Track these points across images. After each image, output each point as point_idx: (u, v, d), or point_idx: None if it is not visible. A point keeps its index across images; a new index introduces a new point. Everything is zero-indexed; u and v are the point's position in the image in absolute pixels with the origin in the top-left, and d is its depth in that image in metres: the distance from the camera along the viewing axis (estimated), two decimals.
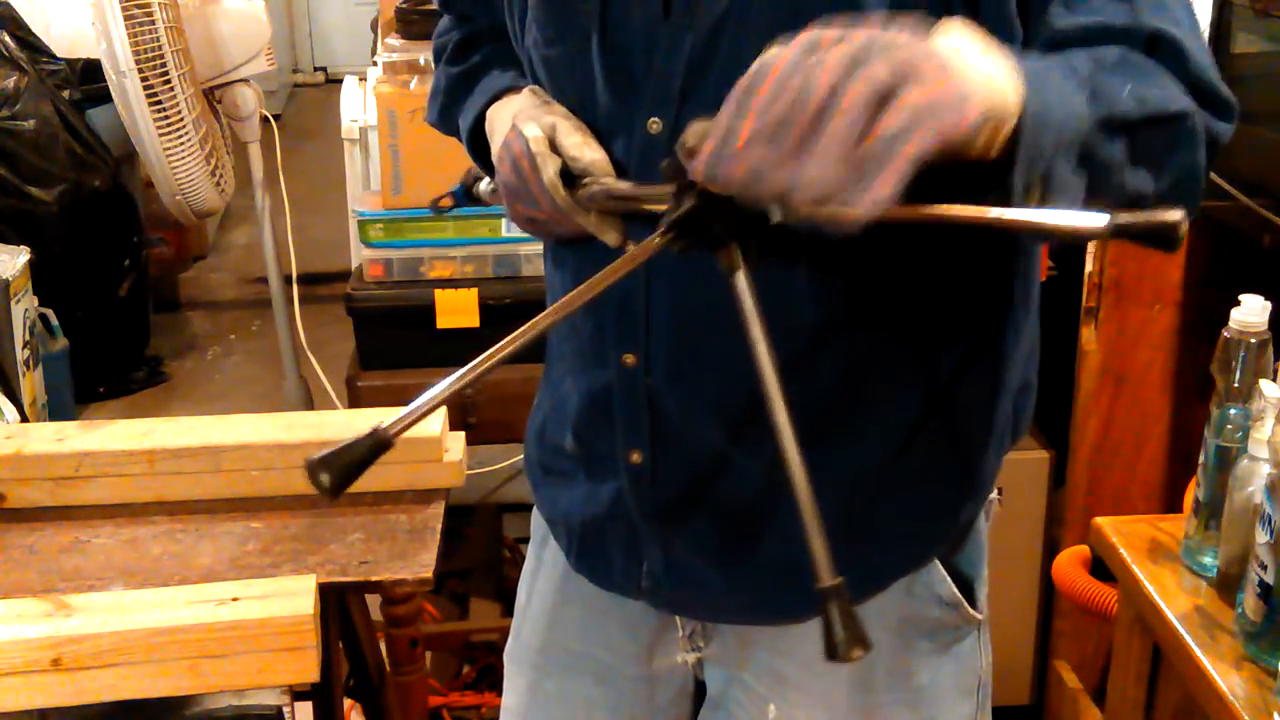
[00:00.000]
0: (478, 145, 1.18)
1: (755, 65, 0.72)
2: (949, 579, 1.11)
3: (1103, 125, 0.81)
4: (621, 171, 1.01)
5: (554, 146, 1.00)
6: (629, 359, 1.05)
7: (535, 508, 1.25)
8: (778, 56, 0.71)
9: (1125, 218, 0.78)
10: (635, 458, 1.08)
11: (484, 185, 1.21)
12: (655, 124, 1.00)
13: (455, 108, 1.21)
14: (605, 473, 1.11)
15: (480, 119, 1.17)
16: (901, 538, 1.08)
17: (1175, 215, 0.77)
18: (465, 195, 1.24)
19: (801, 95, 0.69)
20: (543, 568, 1.25)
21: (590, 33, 1.01)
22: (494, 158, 1.08)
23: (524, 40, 1.10)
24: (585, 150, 1.00)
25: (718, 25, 0.96)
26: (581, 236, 1.02)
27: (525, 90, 1.08)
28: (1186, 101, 0.87)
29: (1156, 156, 0.86)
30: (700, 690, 1.22)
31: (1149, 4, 0.91)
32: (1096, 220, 0.77)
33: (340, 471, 0.79)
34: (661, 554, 1.10)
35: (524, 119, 1.02)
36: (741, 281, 0.82)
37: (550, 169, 0.99)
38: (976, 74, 0.72)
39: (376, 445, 0.79)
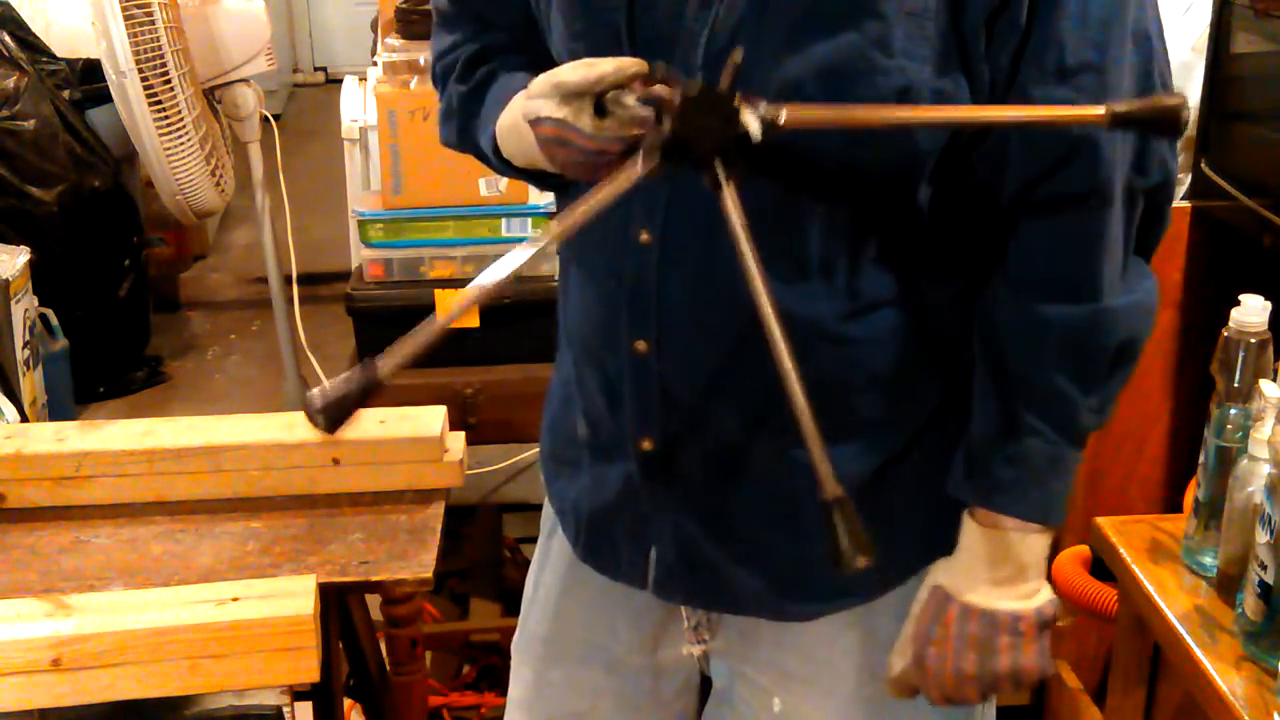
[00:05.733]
0: (499, 155, 1.14)
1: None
2: None
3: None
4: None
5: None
6: (641, 345, 1.05)
7: (546, 500, 1.26)
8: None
9: (1123, 106, 0.82)
10: (646, 445, 1.08)
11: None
12: None
13: (471, 123, 1.17)
14: (615, 460, 1.11)
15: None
16: (917, 530, 1.09)
17: (1175, 100, 0.82)
18: None
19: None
20: (549, 560, 1.26)
21: (619, 26, 1.01)
22: (529, 123, 1.00)
23: (550, 36, 1.10)
24: (588, 70, 0.93)
25: (737, 24, 0.96)
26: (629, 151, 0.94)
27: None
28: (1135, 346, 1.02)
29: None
30: (706, 686, 1.22)
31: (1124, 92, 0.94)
32: (1095, 110, 0.83)
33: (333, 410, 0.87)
34: (673, 541, 1.11)
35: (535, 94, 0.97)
36: (728, 198, 0.84)
37: (586, 118, 0.93)
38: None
39: (369, 383, 0.85)
